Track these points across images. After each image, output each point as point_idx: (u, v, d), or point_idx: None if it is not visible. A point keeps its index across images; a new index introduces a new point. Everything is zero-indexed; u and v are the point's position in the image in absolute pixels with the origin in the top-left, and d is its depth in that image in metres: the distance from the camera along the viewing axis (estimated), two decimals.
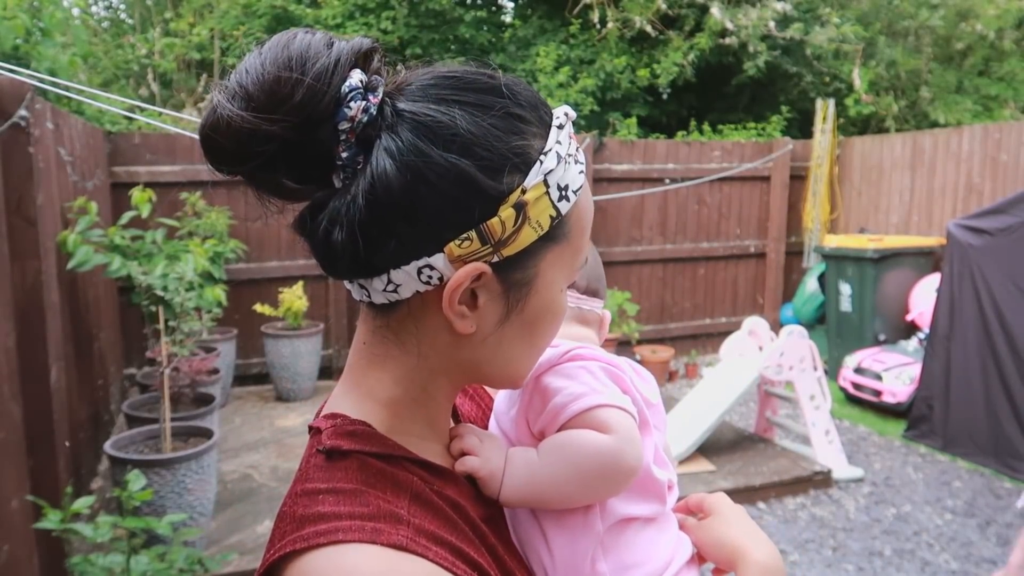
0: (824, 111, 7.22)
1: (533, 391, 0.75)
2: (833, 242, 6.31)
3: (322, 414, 0.69)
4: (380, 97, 0.59)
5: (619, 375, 0.77)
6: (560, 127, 0.64)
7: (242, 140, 0.57)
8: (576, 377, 0.74)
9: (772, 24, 7.94)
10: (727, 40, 8.06)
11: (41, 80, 3.34)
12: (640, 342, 6.78)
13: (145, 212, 3.57)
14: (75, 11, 6.56)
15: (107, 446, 3.48)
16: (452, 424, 0.76)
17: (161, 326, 3.60)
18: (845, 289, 6.21)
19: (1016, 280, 4.51)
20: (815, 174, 7.27)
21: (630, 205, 6.88)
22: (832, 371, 6.20)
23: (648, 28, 8.18)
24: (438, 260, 0.60)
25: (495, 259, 0.61)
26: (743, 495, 4.13)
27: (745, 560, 0.75)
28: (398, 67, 0.65)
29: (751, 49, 8.06)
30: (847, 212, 7.35)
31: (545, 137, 0.63)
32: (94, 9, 9.79)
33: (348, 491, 0.59)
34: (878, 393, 5.54)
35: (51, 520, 2.35)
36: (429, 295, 0.62)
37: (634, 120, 8.08)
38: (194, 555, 2.74)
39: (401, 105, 0.59)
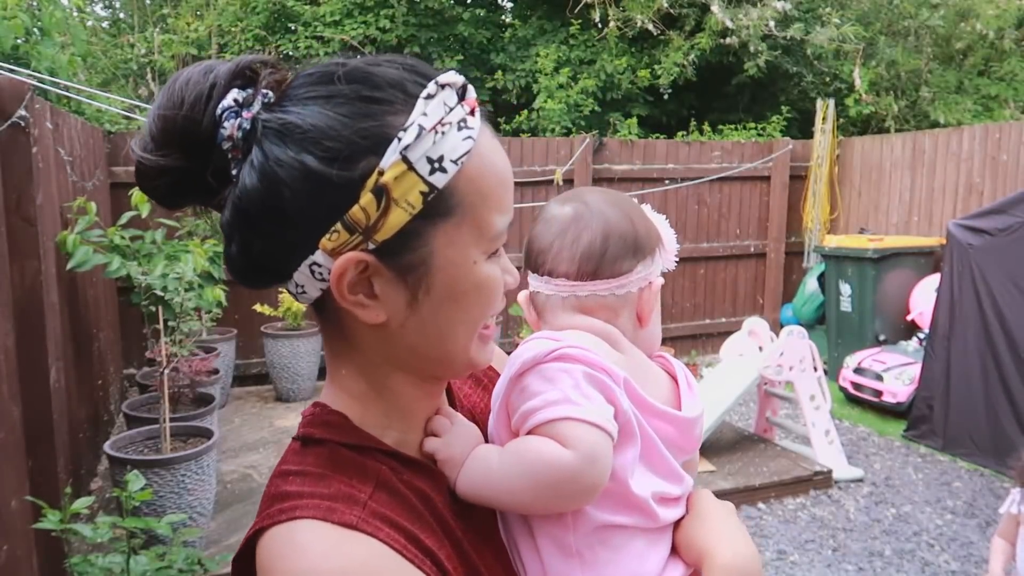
0: (824, 111, 7.21)
1: (514, 388, 0.72)
2: (833, 242, 6.31)
3: (311, 402, 0.73)
4: (254, 111, 0.61)
5: (605, 383, 0.70)
6: (429, 97, 0.60)
7: (149, 177, 0.63)
8: (555, 381, 0.69)
9: (772, 24, 7.93)
10: (728, 40, 8.05)
11: (41, 80, 3.34)
12: None
13: (145, 212, 3.56)
14: (74, 11, 6.55)
15: (107, 446, 3.48)
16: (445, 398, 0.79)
17: (161, 326, 3.60)
18: (845, 289, 6.21)
19: (1016, 280, 4.51)
20: (815, 174, 7.26)
21: None
22: (832, 371, 6.20)
23: (649, 27, 8.18)
24: (319, 256, 0.61)
25: (371, 246, 0.60)
26: (743, 495, 4.13)
27: (711, 561, 0.73)
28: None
29: (752, 49, 8.06)
30: (847, 212, 7.35)
31: (408, 112, 0.60)
32: (92, 9, 9.78)
33: (314, 474, 0.63)
34: (878, 393, 5.53)
35: (50, 520, 2.35)
36: None
37: (634, 120, 8.08)
38: (194, 555, 2.74)
39: (265, 116, 0.61)
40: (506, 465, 0.69)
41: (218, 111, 0.61)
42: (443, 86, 0.61)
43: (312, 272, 0.62)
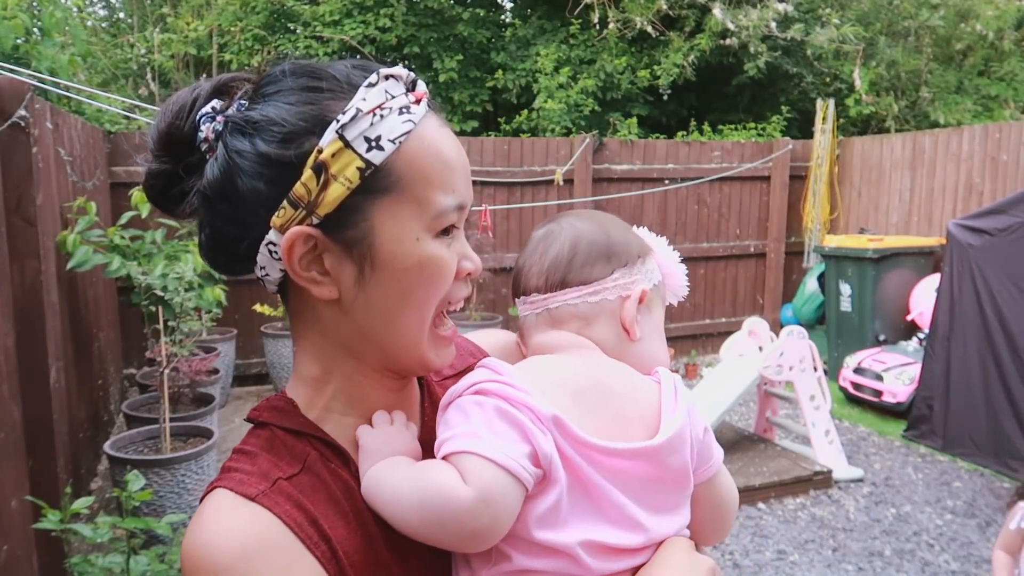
0: (824, 111, 7.21)
1: (440, 419, 0.69)
2: (833, 242, 6.31)
3: None
4: (227, 115, 0.68)
5: (519, 420, 0.64)
6: (371, 85, 0.65)
7: (147, 180, 0.71)
8: (467, 414, 0.66)
9: (773, 24, 7.93)
10: (728, 41, 8.05)
11: (41, 80, 3.34)
12: None
13: (145, 212, 3.56)
14: (74, 11, 6.55)
15: (107, 446, 3.48)
16: (416, 394, 0.80)
17: (161, 326, 3.60)
18: (845, 289, 6.21)
19: (1016, 280, 4.51)
20: (815, 174, 7.26)
21: (630, 205, 6.87)
22: (832, 371, 6.20)
23: (649, 28, 8.18)
24: (272, 235, 0.66)
25: (315, 220, 0.65)
26: (743, 495, 4.13)
27: None
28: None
29: (752, 49, 8.05)
30: (847, 212, 7.35)
31: (349, 99, 0.65)
32: (92, 9, 9.78)
33: (249, 452, 0.68)
34: (878, 393, 5.53)
35: (50, 520, 2.35)
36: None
37: (634, 120, 8.07)
38: None
39: (231, 115, 0.67)
40: (404, 478, 0.65)
41: (197, 117, 0.68)
42: (387, 77, 0.66)
43: (270, 252, 0.67)
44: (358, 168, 0.64)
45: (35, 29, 4.48)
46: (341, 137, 0.63)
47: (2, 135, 2.70)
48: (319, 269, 0.67)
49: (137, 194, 3.65)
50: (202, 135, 0.67)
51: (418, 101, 0.67)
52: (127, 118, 5.97)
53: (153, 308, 3.55)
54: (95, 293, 4.42)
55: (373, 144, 0.64)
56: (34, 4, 4.75)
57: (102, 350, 4.53)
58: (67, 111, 4.24)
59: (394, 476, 0.66)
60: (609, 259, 0.77)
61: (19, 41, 4.25)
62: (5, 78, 2.80)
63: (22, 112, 2.76)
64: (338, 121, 0.64)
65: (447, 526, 0.63)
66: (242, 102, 0.68)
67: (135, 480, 2.60)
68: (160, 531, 2.57)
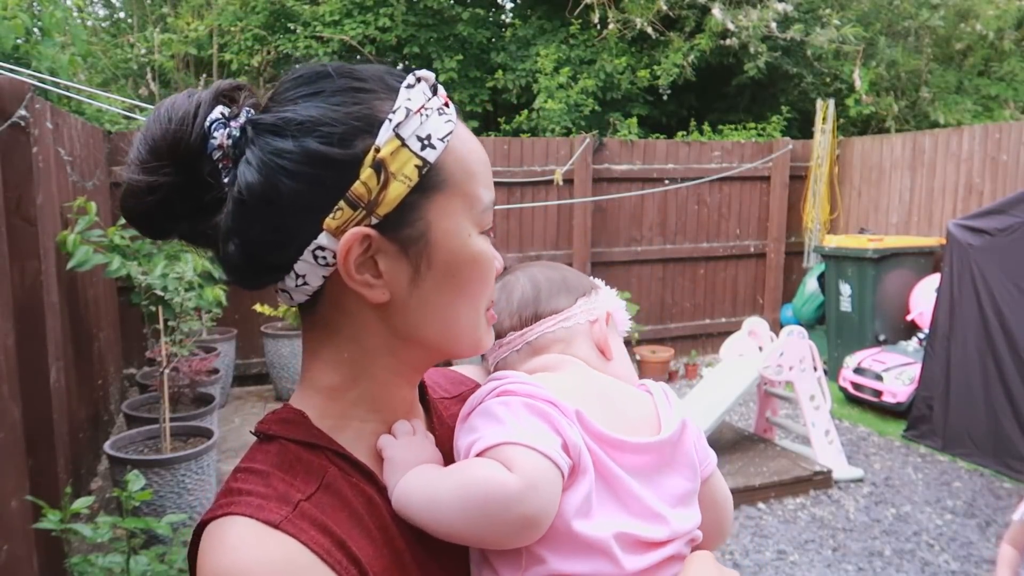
0: (824, 111, 7.21)
1: (461, 430, 0.70)
2: (833, 242, 6.31)
3: None
4: (242, 120, 0.64)
5: (548, 413, 0.67)
6: (410, 86, 0.65)
7: (138, 196, 0.65)
8: (495, 414, 0.68)
9: (773, 25, 7.93)
10: (728, 41, 8.05)
11: (41, 80, 3.34)
12: (640, 342, 6.79)
13: None
14: (74, 11, 6.55)
15: (107, 446, 3.48)
16: (421, 410, 0.78)
17: (161, 326, 3.60)
18: (845, 289, 6.21)
19: (1016, 280, 4.51)
20: (815, 174, 7.26)
21: (630, 205, 6.87)
22: (832, 371, 6.20)
23: (648, 29, 8.18)
24: (324, 239, 0.63)
25: (374, 220, 0.63)
26: (743, 495, 4.13)
27: None
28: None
29: (752, 50, 8.05)
30: (847, 212, 7.35)
31: (393, 99, 0.65)
32: (92, 9, 9.78)
33: (259, 471, 0.65)
34: (878, 393, 5.53)
35: (51, 520, 2.35)
36: (338, 278, 0.65)
37: (634, 120, 8.07)
38: None
39: (256, 117, 0.64)
40: (442, 484, 0.65)
41: (207, 123, 0.64)
42: (419, 79, 0.66)
43: (315, 257, 0.64)
44: (416, 166, 0.64)
45: (35, 29, 4.49)
46: (398, 135, 0.63)
47: (2, 135, 2.70)
48: (372, 272, 0.65)
49: None
50: (215, 142, 0.64)
51: (446, 104, 0.68)
52: (127, 118, 5.97)
53: (153, 308, 3.55)
54: (95, 293, 4.42)
55: (425, 143, 0.64)
56: (34, 4, 4.75)
57: (102, 350, 4.53)
58: (67, 111, 4.24)
59: (427, 481, 0.65)
60: (569, 291, 0.84)
61: (19, 41, 4.25)
62: (5, 78, 2.80)
63: (22, 112, 2.76)
64: (390, 120, 0.63)
65: (495, 519, 0.63)
66: (248, 109, 0.65)
67: (135, 480, 2.61)
68: (160, 531, 2.57)
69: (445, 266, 0.67)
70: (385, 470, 0.68)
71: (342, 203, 0.62)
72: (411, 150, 0.63)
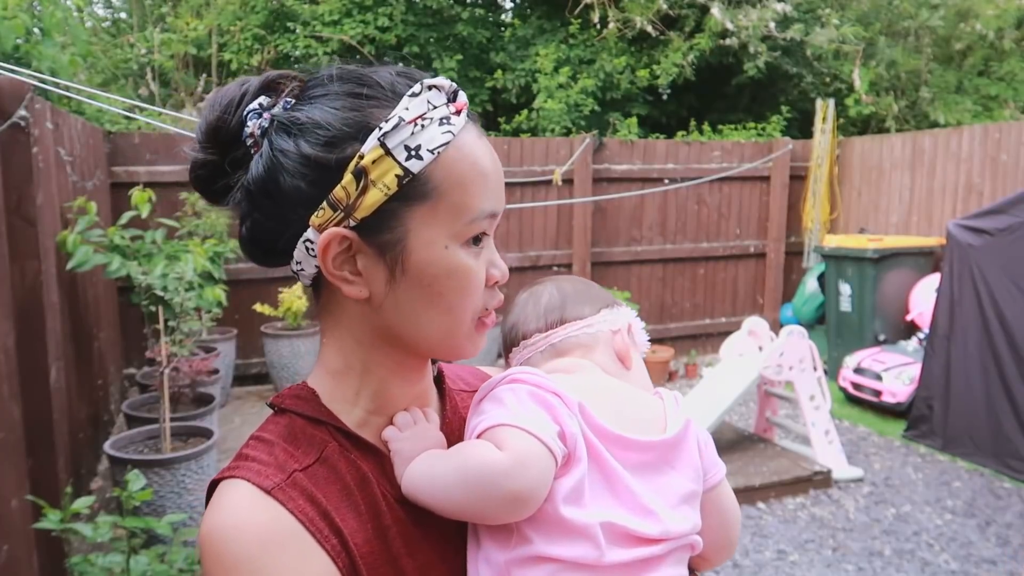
0: (824, 111, 7.21)
1: (472, 415, 0.75)
2: (833, 242, 6.31)
3: None
4: (275, 111, 0.70)
5: (550, 402, 0.71)
6: (414, 95, 0.68)
7: (193, 168, 0.72)
8: (501, 400, 0.73)
9: (772, 25, 7.94)
10: (727, 41, 8.05)
11: (41, 80, 3.34)
12: None
13: (145, 212, 3.56)
14: (74, 11, 6.55)
15: (107, 446, 3.48)
16: (436, 399, 0.83)
17: (161, 326, 3.60)
18: (845, 289, 6.21)
19: (1016, 280, 4.51)
20: (815, 174, 7.26)
21: (630, 205, 6.87)
22: (832, 371, 6.20)
23: (648, 28, 8.18)
24: (311, 233, 0.68)
25: (351, 223, 0.67)
26: (743, 495, 4.13)
27: None
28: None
29: (751, 50, 8.06)
30: (847, 212, 7.35)
31: (392, 107, 0.67)
32: (93, 9, 9.78)
33: (266, 440, 0.71)
34: (878, 393, 5.54)
35: (51, 520, 2.35)
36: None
37: (634, 120, 8.07)
38: (194, 555, 2.74)
39: (278, 113, 0.70)
40: (443, 464, 0.70)
41: (245, 112, 0.70)
42: (431, 87, 0.68)
43: (306, 249, 0.69)
44: (396, 175, 0.66)
45: (35, 29, 4.49)
46: (382, 145, 0.66)
47: (2, 135, 2.70)
48: (351, 269, 0.70)
49: (137, 194, 3.65)
50: (248, 130, 0.70)
51: (459, 112, 0.70)
52: (127, 118, 5.97)
53: (153, 308, 3.55)
54: (95, 293, 4.42)
55: (412, 153, 0.66)
56: (35, 4, 4.75)
57: (102, 350, 4.53)
58: (67, 111, 4.24)
59: (431, 464, 0.70)
60: (594, 301, 0.88)
61: (19, 41, 4.25)
62: (5, 78, 2.80)
63: (22, 112, 2.76)
64: (380, 129, 0.66)
65: (490, 494, 0.67)
66: (288, 100, 0.70)
67: (135, 480, 2.61)
68: (160, 531, 2.57)
69: (420, 274, 0.69)
70: (394, 463, 0.72)
71: (324, 204, 0.67)
72: (395, 159, 0.66)
